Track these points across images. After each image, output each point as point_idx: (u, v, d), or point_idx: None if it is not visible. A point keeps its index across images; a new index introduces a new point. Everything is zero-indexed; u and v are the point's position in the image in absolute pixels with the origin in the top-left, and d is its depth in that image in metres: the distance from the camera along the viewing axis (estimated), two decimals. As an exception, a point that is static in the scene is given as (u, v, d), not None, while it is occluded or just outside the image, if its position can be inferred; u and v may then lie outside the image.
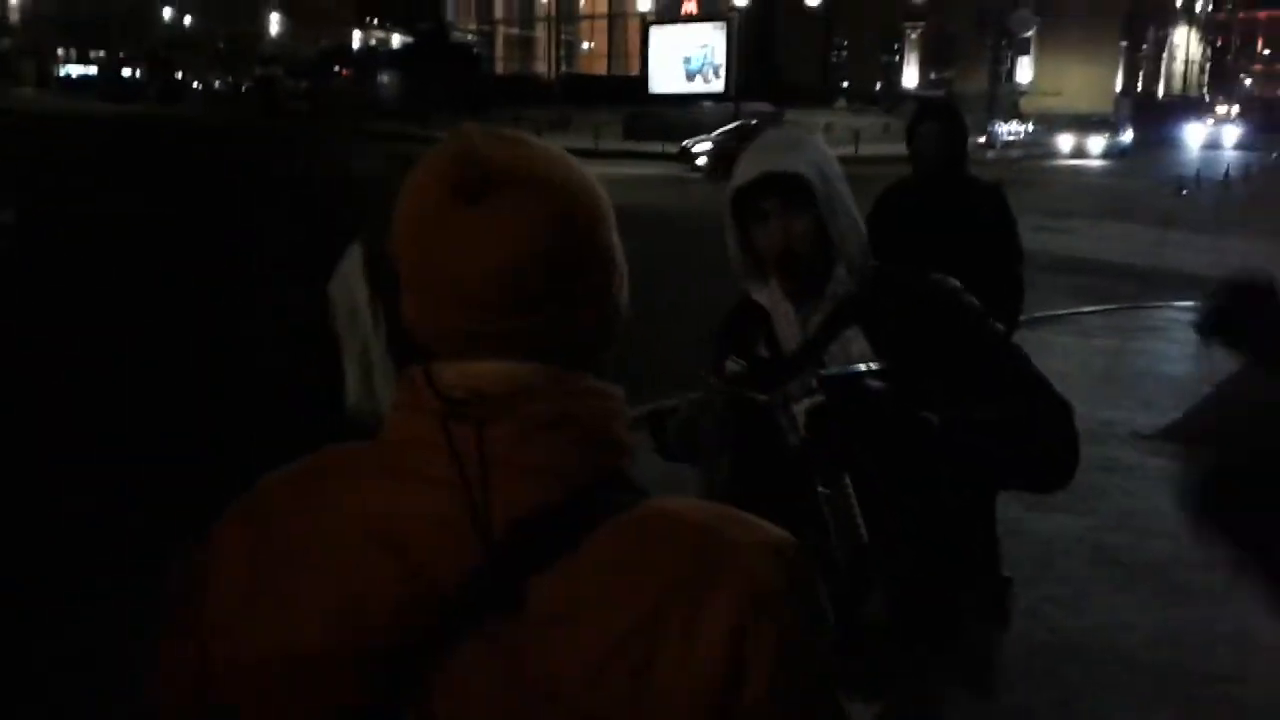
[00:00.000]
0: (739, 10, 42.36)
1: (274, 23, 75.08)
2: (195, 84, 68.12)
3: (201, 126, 36.36)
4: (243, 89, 61.96)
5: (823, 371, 1.64)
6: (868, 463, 1.61)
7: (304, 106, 47.66)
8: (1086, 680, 3.48)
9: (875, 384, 1.58)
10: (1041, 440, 1.69)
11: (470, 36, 57.22)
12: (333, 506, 0.83)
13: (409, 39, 57.54)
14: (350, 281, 2.34)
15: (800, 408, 1.62)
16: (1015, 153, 34.05)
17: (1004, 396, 1.68)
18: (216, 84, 67.68)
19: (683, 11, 47.48)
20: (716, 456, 1.80)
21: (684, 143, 28.11)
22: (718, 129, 29.06)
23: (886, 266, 1.81)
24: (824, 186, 1.73)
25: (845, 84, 45.07)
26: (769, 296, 1.84)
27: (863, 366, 1.63)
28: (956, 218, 3.81)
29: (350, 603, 0.79)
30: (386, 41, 63.20)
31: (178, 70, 69.53)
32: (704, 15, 46.43)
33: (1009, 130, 37.30)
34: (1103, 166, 31.34)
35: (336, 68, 55.82)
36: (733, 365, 1.82)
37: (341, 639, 0.79)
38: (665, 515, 0.82)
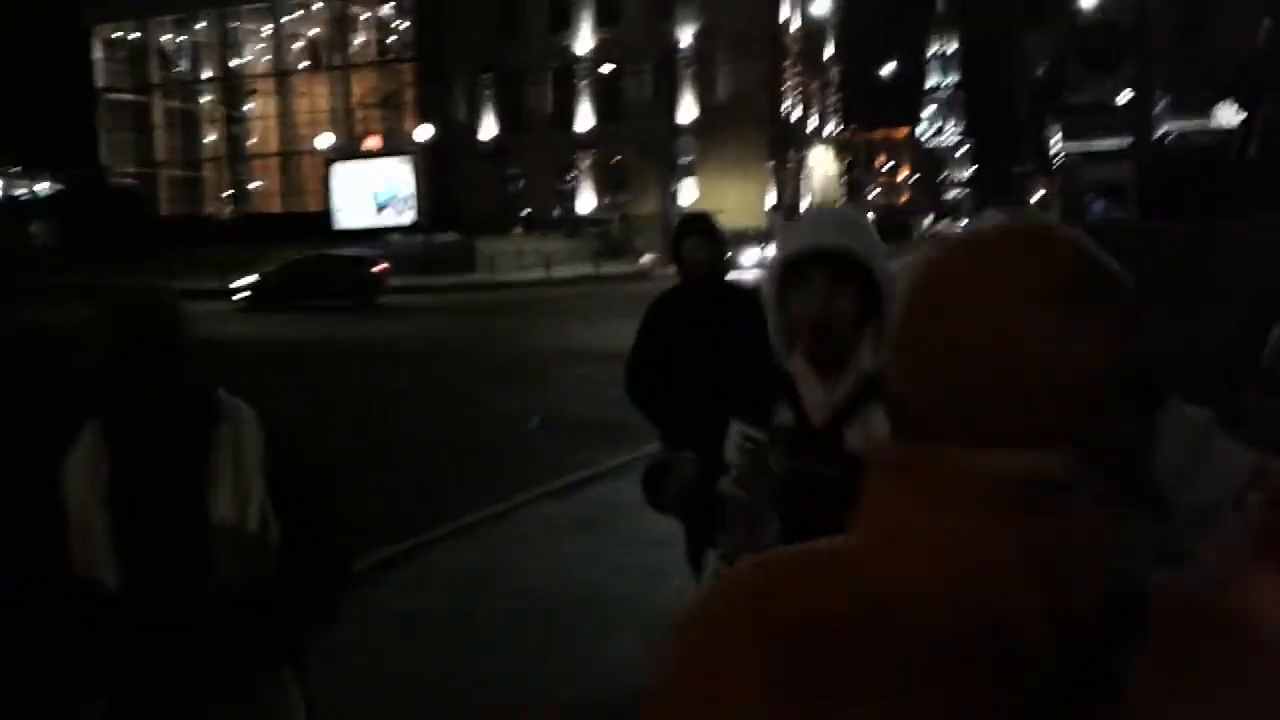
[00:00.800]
0: (420, 146, 43.25)
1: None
2: None
3: None
4: None
5: (792, 464, 1.73)
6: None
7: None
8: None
9: (834, 482, 1.61)
10: None
11: (129, 180, 54.26)
12: (894, 615, 0.75)
13: (60, 186, 53.67)
14: (79, 460, 2.08)
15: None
16: (671, 269, 35.60)
17: None
18: None
19: (363, 148, 47.64)
20: (764, 521, 1.80)
21: (231, 285, 28.23)
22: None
23: None
24: (877, 264, 1.78)
25: (527, 211, 46.54)
26: (798, 365, 1.87)
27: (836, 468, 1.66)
28: (723, 322, 4.21)
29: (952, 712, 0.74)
30: (31, 190, 58.42)
31: None
32: (388, 150, 47.06)
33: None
34: (759, 276, 33.34)
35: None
36: (756, 435, 1.86)
37: None
38: (1191, 589, 0.85)
